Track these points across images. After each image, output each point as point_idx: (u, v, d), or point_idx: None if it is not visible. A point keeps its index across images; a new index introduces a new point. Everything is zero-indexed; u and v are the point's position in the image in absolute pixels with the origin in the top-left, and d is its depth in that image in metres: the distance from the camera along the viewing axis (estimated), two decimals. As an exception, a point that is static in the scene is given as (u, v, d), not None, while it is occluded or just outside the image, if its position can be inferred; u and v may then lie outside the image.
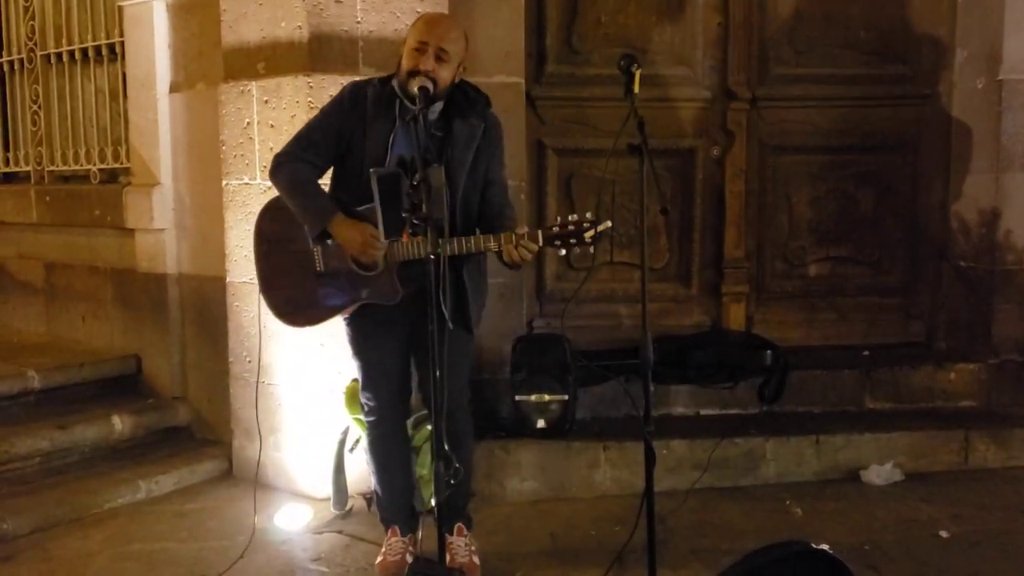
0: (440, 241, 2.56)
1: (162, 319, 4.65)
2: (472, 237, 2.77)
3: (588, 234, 2.69)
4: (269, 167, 3.04)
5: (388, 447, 3.20)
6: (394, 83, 2.90)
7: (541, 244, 2.73)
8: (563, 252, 2.77)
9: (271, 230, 3.07)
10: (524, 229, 2.75)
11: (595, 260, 4.44)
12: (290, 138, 3.08)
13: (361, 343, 3.10)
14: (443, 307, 2.67)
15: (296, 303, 3.04)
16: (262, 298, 3.10)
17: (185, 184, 4.53)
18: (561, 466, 3.94)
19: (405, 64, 2.85)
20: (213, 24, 4.09)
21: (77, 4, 5.09)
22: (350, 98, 2.99)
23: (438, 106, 2.90)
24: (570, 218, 2.72)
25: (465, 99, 2.95)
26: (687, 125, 4.52)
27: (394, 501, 3.25)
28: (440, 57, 2.82)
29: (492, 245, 2.76)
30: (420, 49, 2.82)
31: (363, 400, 3.18)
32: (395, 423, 3.19)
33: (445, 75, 2.85)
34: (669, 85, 4.47)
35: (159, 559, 3.38)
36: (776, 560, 2.50)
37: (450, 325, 2.84)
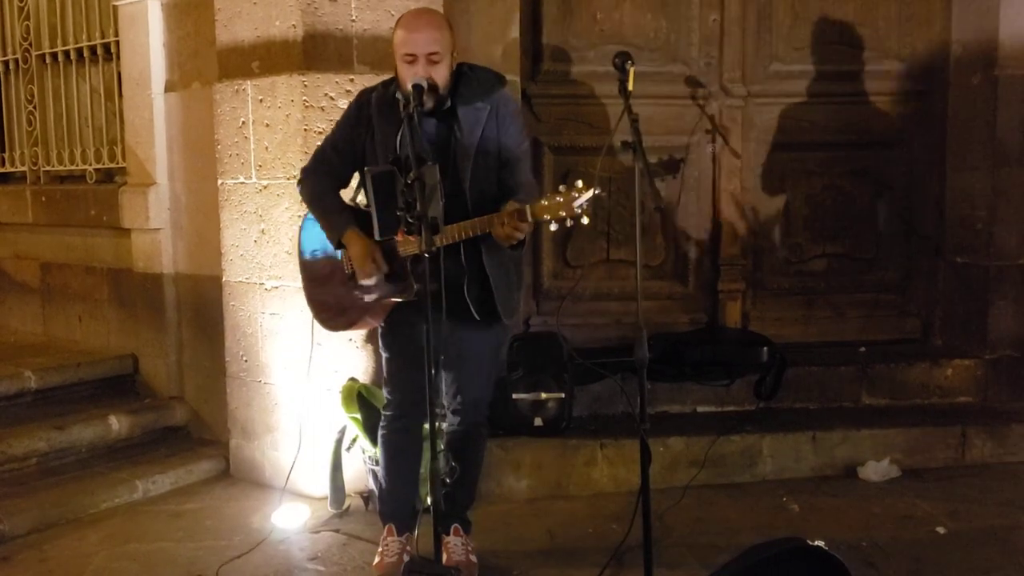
0: (436, 238, 2.56)
1: (159, 319, 4.65)
2: (460, 224, 2.78)
3: (577, 202, 2.65)
4: (297, 179, 3.17)
5: (401, 444, 3.19)
6: (399, 95, 2.91)
7: (530, 219, 2.70)
8: (554, 226, 2.70)
9: (310, 239, 3.17)
10: (511, 207, 2.72)
11: (591, 258, 4.46)
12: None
13: (389, 339, 3.13)
14: (468, 299, 2.83)
15: (334, 307, 3.13)
16: (308, 306, 3.22)
17: (181, 183, 4.53)
18: (558, 464, 3.94)
19: (402, 76, 2.87)
20: (208, 23, 4.09)
21: (72, 4, 5.07)
22: (356, 107, 3.06)
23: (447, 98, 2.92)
24: (559, 188, 2.69)
25: (467, 85, 2.95)
26: (683, 122, 4.52)
27: (397, 498, 3.25)
28: (431, 60, 2.83)
29: (483, 228, 2.75)
30: (410, 61, 2.83)
31: (385, 394, 3.21)
32: (412, 420, 3.18)
33: (442, 73, 2.87)
34: (665, 82, 4.46)
35: (156, 559, 3.38)
36: (772, 557, 2.50)
37: (476, 317, 2.90)
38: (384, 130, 2.93)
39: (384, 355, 3.17)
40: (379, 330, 3.18)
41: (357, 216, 2.98)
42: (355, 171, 3.09)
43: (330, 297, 3.13)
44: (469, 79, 2.96)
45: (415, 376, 3.06)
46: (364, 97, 3.05)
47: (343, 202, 3.09)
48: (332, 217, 3.02)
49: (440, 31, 2.89)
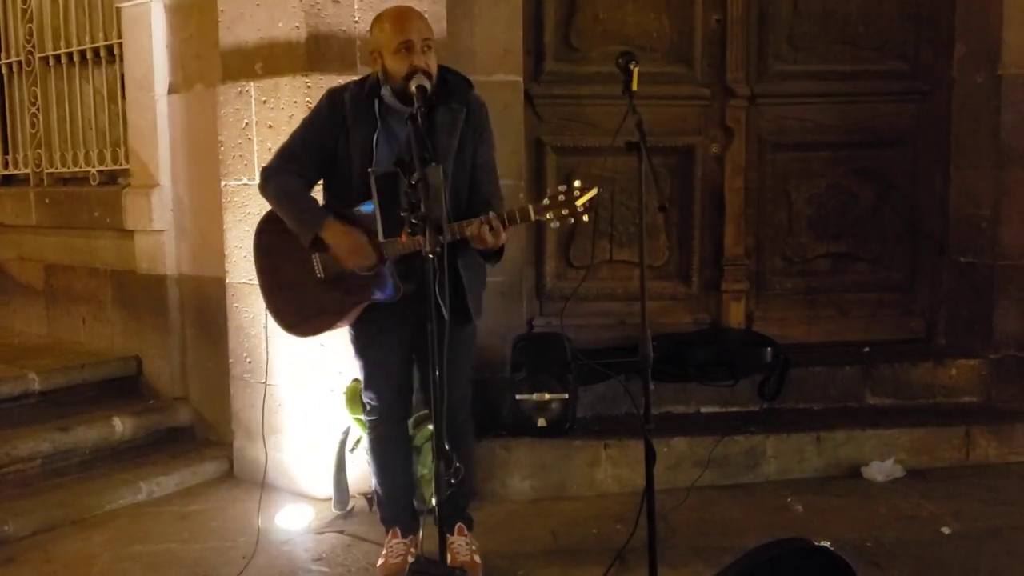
0: (440, 239, 2.56)
1: (162, 320, 4.65)
2: (454, 224, 2.76)
3: (579, 201, 2.67)
4: (259, 182, 3.05)
5: (389, 447, 3.19)
6: (384, 91, 2.88)
7: (533, 218, 2.72)
8: (556, 224, 2.73)
9: (270, 243, 3.07)
10: (518, 206, 2.76)
11: (595, 258, 4.46)
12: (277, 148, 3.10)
13: (363, 342, 3.10)
14: (441, 303, 2.68)
15: (301, 313, 3.04)
16: (268, 312, 3.12)
17: (184, 185, 4.53)
18: (562, 464, 3.94)
19: (396, 68, 2.81)
20: (211, 25, 4.09)
21: (75, 6, 5.08)
22: (328, 106, 2.99)
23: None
24: (560, 188, 2.71)
25: (444, 85, 2.92)
26: (686, 123, 4.52)
27: (395, 502, 3.25)
28: (427, 46, 2.82)
29: (473, 229, 2.74)
30: (407, 49, 2.80)
31: (365, 399, 3.18)
32: (397, 422, 3.19)
33: (435, 63, 2.86)
34: (668, 83, 4.46)
35: (161, 560, 3.38)
36: (777, 557, 2.50)
37: (446, 316, 2.84)
38: (359, 131, 2.89)
39: (359, 360, 3.13)
40: (350, 336, 3.13)
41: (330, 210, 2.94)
42: (323, 171, 3.00)
43: (298, 303, 3.03)
44: (447, 80, 2.94)
45: (393, 378, 3.08)
46: (336, 97, 2.97)
47: (315, 199, 3.00)
48: (306, 212, 2.91)
49: (427, 21, 2.90)
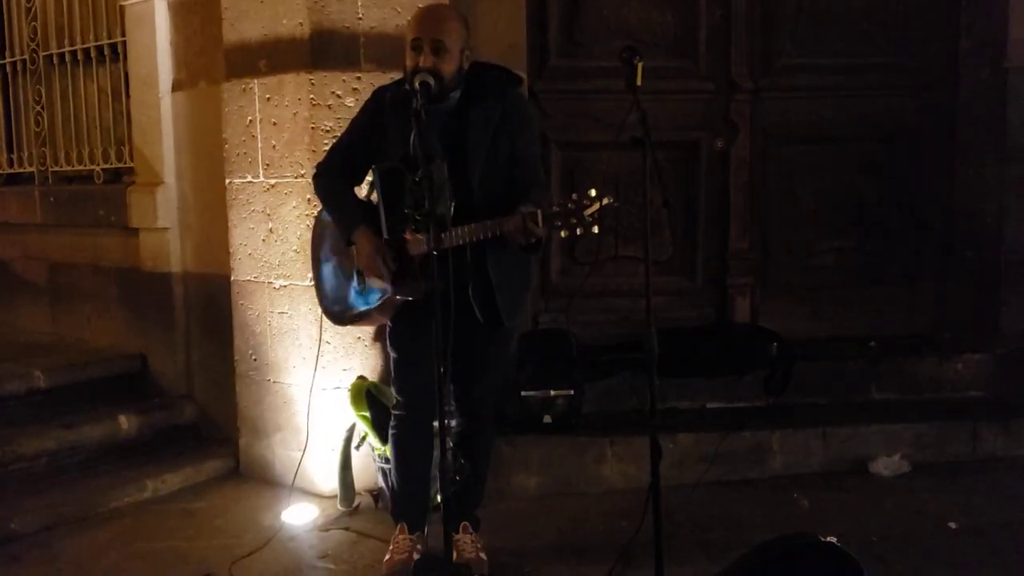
0: (443, 236, 2.55)
1: (167, 318, 4.65)
2: (474, 225, 2.74)
3: (588, 211, 2.61)
4: (313, 173, 3.15)
5: (411, 443, 3.18)
6: (407, 86, 2.90)
7: (541, 225, 2.66)
8: (564, 234, 2.65)
9: (322, 236, 3.18)
10: (526, 209, 2.66)
11: (599, 254, 4.45)
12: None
13: (397, 335, 3.12)
14: (472, 301, 2.80)
15: (341, 303, 3.11)
16: (317, 302, 3.23)
17: (188, 183, 4.53)
18: (568, 461, 3.93)
19: (407, 63, 2.87)
20: (215, 22, 4.08)
21: (79, 4, 5.08)
22: (371, 106, 3.06)
23: (455, 95, 2.91)
24: (572, 196, 2.64)
25: (479, 83, 2.93)
26: (690, 117, 4.51)
27: (408, 497, 3.24)
28: (437, 49, 2.81)
29: (494, 231, 2.72)
30: (415, 47, 2.83)
31: (394, 393, 3.20)
32: (422, 418, 3.17)
33: (448, 66, 2.84)
34: (672, 77, 4.45)
35: (166, 558, 3.39)
36: (783, 553, 2.50)
37: (480, 319, 2.85)
38: (396, 129, 2.91)
39: (392, 354, 3.16)
40: (387, 329, 3.17)
41: (369, 213, 2.96)
42: (368, 169, 3.07)
43: (340, 292, 3.12)
44: (482, 77, 2.95)
45: (423, 375, 3.06)
46: (379, 96, 3.05)
47: (357, 199, 3.08)
48: (344, 215, 3.03)
49: (449, 22, 2.89)
